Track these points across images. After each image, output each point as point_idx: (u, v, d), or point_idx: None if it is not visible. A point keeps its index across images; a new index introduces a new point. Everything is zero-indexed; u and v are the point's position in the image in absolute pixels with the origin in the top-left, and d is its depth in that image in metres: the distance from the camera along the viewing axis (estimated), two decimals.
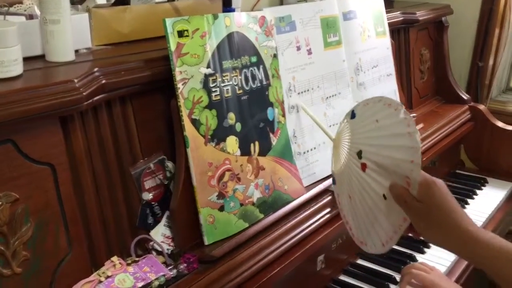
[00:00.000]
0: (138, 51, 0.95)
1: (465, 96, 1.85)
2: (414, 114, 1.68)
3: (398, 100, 1.49)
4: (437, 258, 1.32)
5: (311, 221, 1.08)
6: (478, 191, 1.68)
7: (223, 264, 0.90)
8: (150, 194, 0.91)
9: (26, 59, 0.78)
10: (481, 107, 1.83)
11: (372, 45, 1.38)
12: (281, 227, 1.02)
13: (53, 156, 0.75)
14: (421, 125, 1.54)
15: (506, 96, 2.09)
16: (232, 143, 0.96)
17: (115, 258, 0.84)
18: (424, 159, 1.49)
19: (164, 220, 0.93)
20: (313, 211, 1.10)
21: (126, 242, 0.88)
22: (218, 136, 0.93)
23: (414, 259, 1.31)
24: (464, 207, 1.57)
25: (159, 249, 0.90)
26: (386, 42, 1.45)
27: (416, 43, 1.74)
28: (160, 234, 0.92)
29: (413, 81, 1.74)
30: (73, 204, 0.79)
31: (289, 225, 1.04)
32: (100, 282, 0.80)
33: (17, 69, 0.72)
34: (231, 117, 0.96)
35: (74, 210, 0.79)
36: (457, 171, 1.84)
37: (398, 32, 1.65)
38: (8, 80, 0.72)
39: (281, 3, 1.70)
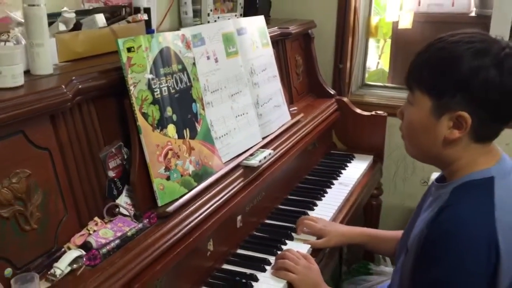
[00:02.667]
0: (92, 65, 1.23)
1: (331, 91, 2.32)
2: (295, 108, 2.10)
3: (283, 95, 1.89)
4: (325, 211, 1.74)
5: (229, 189, 1.42)
6: (348, 164, 2.13)
7: (175, 218, 1.21)
8: (113, 172, 1.19)
9: None
10: (345, 99, 2.31)
11: (260, 53, 1.77)
12: (209, 192, 1.35)
13: (49, 143, 1.02)
14: (301, 115, 1.96)
15: (362, 90, 2.61)
16: (171, 129, 1.28)
17: (97, 218, 1.11)
18: (306, 140, 1.92)
19: (124, 192, 1.22)
20: (232, 180, 1.45)
21: (100, 208, 1.16)
22: (161, 124, 1.25)
23: (306, 214, 1.71)
24: (339, 176, 2.02)
25: (125, 212, 1.19)
26: (269, 51, 1.85)
27: (291, 51, 2.18)
28: (123, 202, 1.21)
29: (292, 82, 2.17)
30: (64, 179, 1.05)
31: (214, 191, 1.37)
32: (90, 234, 1.07)
33: (21, 80, 0.98)
34: (169, 110, 1.28)
35: (65, 183, 1.05)
36: (332, 151, 2.29)
37: (277, 43, 2.07)
38: (16, 88, 0.98)
39: (180, 24, 2.03)
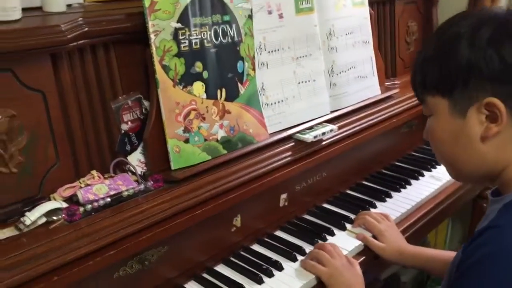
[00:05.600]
0: (124, 7, 1.15)
1: None
2: (397, 82, 1.81)
3: (375, 65, 1.63)
4: (396, 206, 1.48)
5: (270, 161, 1.26)
6: None
7: (185, 185, 1.09)
8: (127, 126, 1.11)
9: (27, 9, 0.99)
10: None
11: (348, 13, 1.53)
12: (242, 163, 1.21)
13: (44, 85, 0.96)
14: (396, 90, 1.68)
15: None
16: (198, 87, 1.14)
17: (94, 172, 1.04)
18: (394, 120, 1.64)
19: (140, 148, 1.13)
20: (275, 153, 1.28)
21: (106, 163, 1.09)
22: (186, 80, 1.12)
23: (374, 206, 1.47)
24: (435, 167, 1.71)
25: (134, 170, 1.10)
26: (363, 11, 1.59)
27: (403, 15, 1.87)
28: (136, 159, 1.12)
29: (398, 51, 1.87)
30: (61, 125, 0.99)
31: (250, 162, 1.22)
32: (81, 187, 1.01)
33: (16, 15, 0.93)
34: (199, 66, 1.14)
35: (61, 130, 0.99)
36: None
37: (383, 4, 1.79)
38: (8, 22, 0.93)
39: None
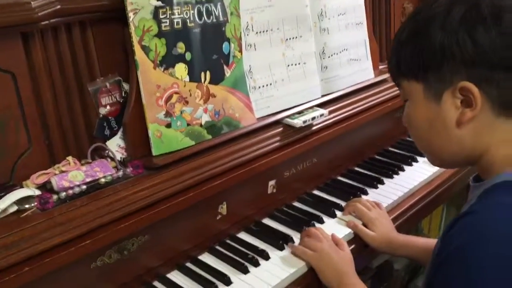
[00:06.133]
0: None
1: None
2: None
3: (368, 47, 1.57)
4: (388, 193, 1.43)
5: (257, 147, 1.21)
6: None
7: (166, 172, 1.05)
8: (106, 109, 1.06)
9: None
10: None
11: None
12: (227, 149, 1.16)
13: (14, 66, 0.91)
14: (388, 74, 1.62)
15: None
16: (181, 69, 1.09)
17: (70, 158, 0.99)
18: (388, 104, 1.60)
19: (119, 133, 1.08)
20: (262, 138, 1.23)
21: (84, 148, 1.04)
22: (167, 62, 1.07)
23: (365, 193, 1.43)
24: None
25: (113, 156, 1.05)
26: None
27: None
28: (116, 144, 1.07)
29: (393, 33, 1.81)
30: (33, 108, 0.94)
31: (236, 147, 1.18)
32: (56, 174, 0.96)
33: None
34: (181, 47, 1.09)
35: (33, 113, 0.94)
36: None
37: None
38: None
39: None
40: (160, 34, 1.05)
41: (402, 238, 1.23)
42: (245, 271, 1.10)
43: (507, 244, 0.68)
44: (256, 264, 1.13)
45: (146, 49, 1.03)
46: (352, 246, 1.22)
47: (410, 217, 1.40)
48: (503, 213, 0.72)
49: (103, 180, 0.98)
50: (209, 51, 1.15)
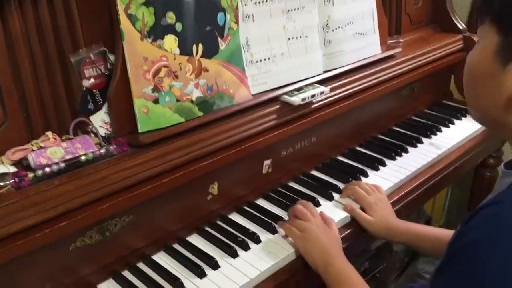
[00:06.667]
0: None
1: (461, 26, 1.81)
2: (401, 40, 1.67)
3: (376, 20, 1.48)
4: (389, 176, 1.37)
5: (253, 124, 1.15)
6: (456, 121, 1.68)
7: (153, 150, 0.99)
8: (90, 82, 1.00)
9: None
10: (476, 38, 1.79)
11: None
12: (219, 126, 1.10)
13: None
14: (398, 49, 1.54)
15: None
16: (170, 41, 1.02)
17: (49, 133, 0.94)
18: (395, 82, 1.52)
19: (104, 108, 1.02)
20: (257, 116, 1.17)
21: (66, 123, 0.98)
22: (155, 33, 1.00)
23: (365, 175, 1.37)
24: (435, 134, 1.59)
25: (96, 132, 1.00)
26: None
27: None
28: (100, 119, 1.02)
29: (404, 6, 1.71)
30: (8, 78, 0.88)
31: (229, 125, 1.11)
32: (33, 150, 0.91)
33: None
34: (171, 16, 1.01)
35: (10, 84, 0.89)
36: (444, 101, 1.83)
37: None
38: None
39: None
40: (148, 3, 0.98)
41: (402, 225, 1.18)
42: (234, 255, 1.06)
43: None
44: (246, 247, 1.08)
45: (132, 18, 0.96)
46: (349, 231, 1.18)
47: (410, 201, 1.34)
48: None
49: (83, 157, 0.93)
50: (202, 22, 1.07)
